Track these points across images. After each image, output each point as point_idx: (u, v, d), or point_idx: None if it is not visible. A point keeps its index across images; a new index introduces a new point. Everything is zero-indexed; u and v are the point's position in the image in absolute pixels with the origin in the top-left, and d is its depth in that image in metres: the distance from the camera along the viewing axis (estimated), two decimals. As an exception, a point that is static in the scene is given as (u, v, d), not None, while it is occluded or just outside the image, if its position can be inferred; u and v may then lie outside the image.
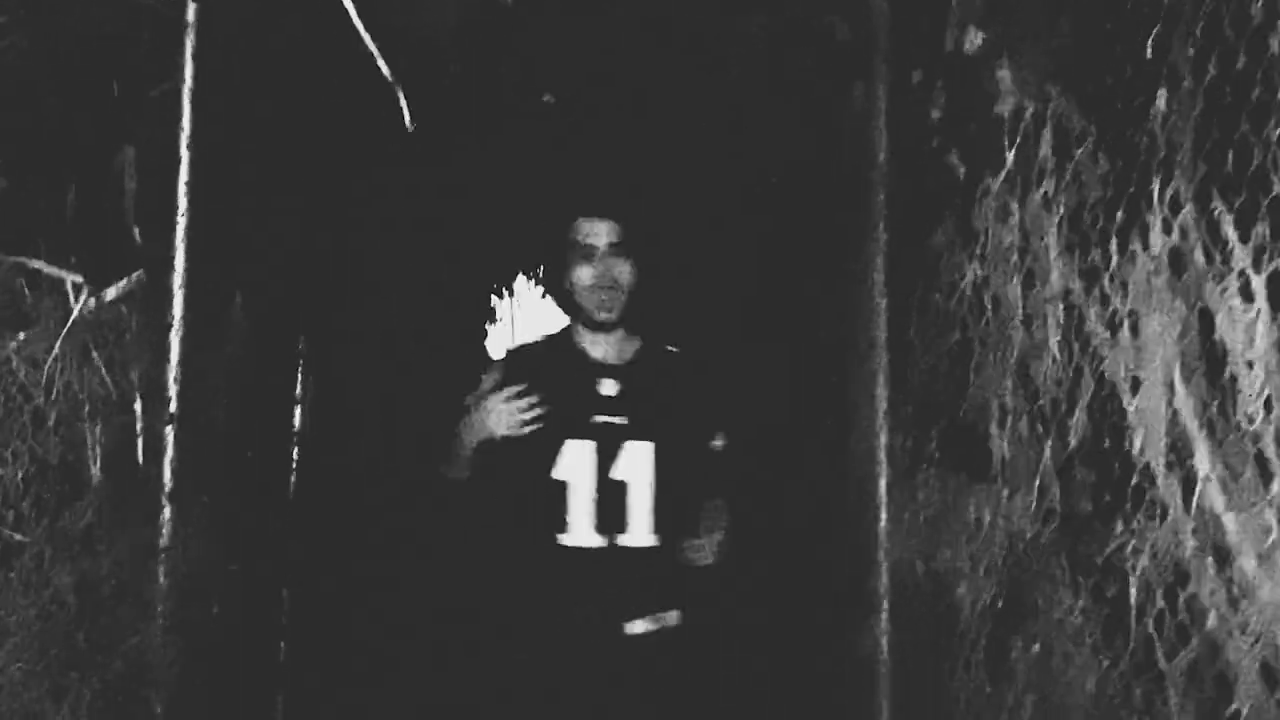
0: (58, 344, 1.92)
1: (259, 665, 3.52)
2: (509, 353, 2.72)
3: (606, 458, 2.51)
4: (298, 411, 3.87)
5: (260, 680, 3.56)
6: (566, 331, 2.67)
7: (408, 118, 2.85)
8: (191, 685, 2.58)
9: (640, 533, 2.52)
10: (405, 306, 6.08)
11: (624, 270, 2.56)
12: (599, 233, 2.56)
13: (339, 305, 4.41)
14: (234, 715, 3.14)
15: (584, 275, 2.56)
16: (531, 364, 2.61)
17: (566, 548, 2.49)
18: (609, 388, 2.58)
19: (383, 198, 5.12)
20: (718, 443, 2.69)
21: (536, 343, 2.72)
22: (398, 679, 4.61)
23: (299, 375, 3.88)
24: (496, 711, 2.59)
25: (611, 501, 2.50)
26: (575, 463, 2.50)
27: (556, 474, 2.50)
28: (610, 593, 2.50)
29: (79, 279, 1.99)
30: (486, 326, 12.07)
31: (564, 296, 2.64)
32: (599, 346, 2.62)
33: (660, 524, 2.53)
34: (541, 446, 2.51)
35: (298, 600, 3.78)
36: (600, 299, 2.55)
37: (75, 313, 1.93)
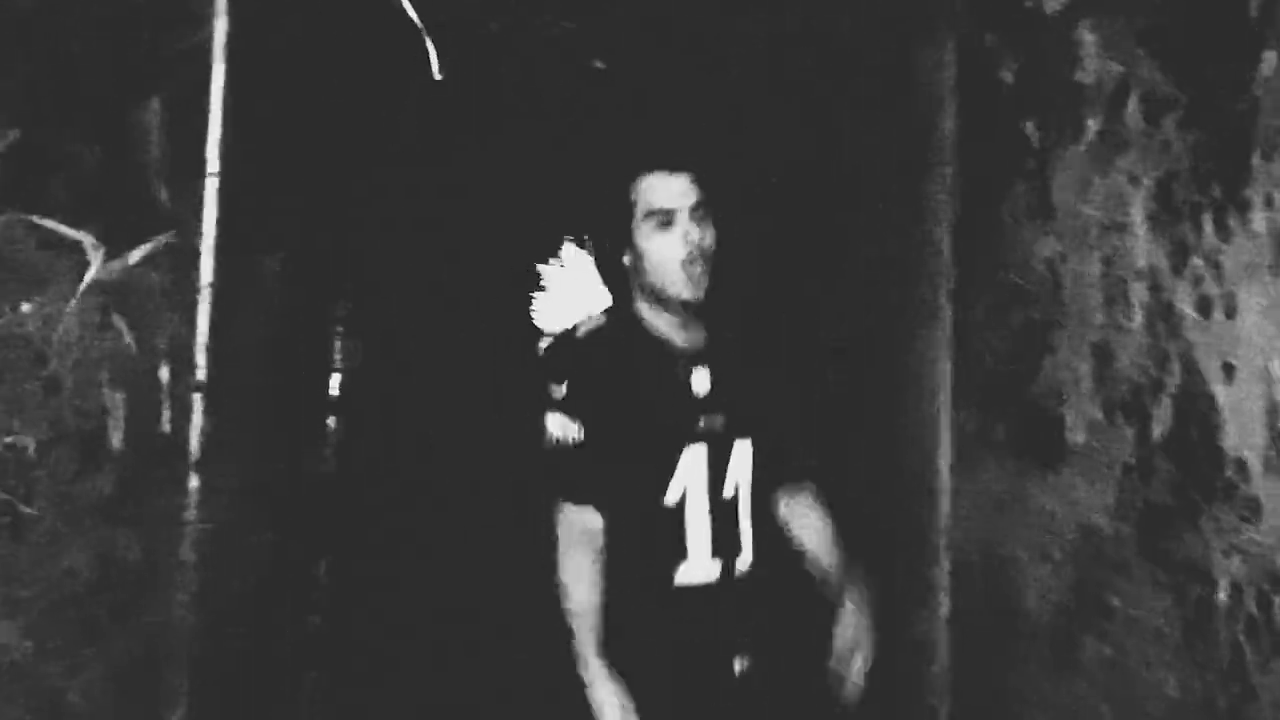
0: (74, 306, 1.84)
1: (291, 639, 3.46)
2: (580, 338, 2.16)
3: (717, 468, 2.12)
4: (335, 379, 3.78)
5: (292, 654, 3.50)
6: (631, 312, 2.20)
7: (436, 68, 2.71)
8: (218, 660, 2.53)
9: (748, 553, 2.17)
10: (451, 270, 5.99)
11: (709, 237, 2.13)
12: (678, 191, 2.12)
13: (381, 268, 4.32)
14: (263, 690, 3.08)
15: (665, 246, 2.11)
16: (609, 352, 2.13)
17: (683, 585, 2.10)
18: (702, 381, 2.16)
19: (430, 155, 5.01)
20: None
21: (600, 326, 2.19)
22: (436, 658, 4.55)
23: (337, 341, 3.79)
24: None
25: (725, 520, 2.13)
26: (689, 478, 2.10)
27: (671, 497, 2.10)
28: (728, 628, 2.15)
29: (97, 240, 1.91)
30: (533, 293, 11.96)
31: (620, 272, 2.19)
32: (674, 331, 2.19)
33: (757, 539, 2.18)
34: (651, 464, 2.10)
35: (334, 573, 3.72)
36: (691, 274, 2.10)
37: (93, 274, 1.85)
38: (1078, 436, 2.15)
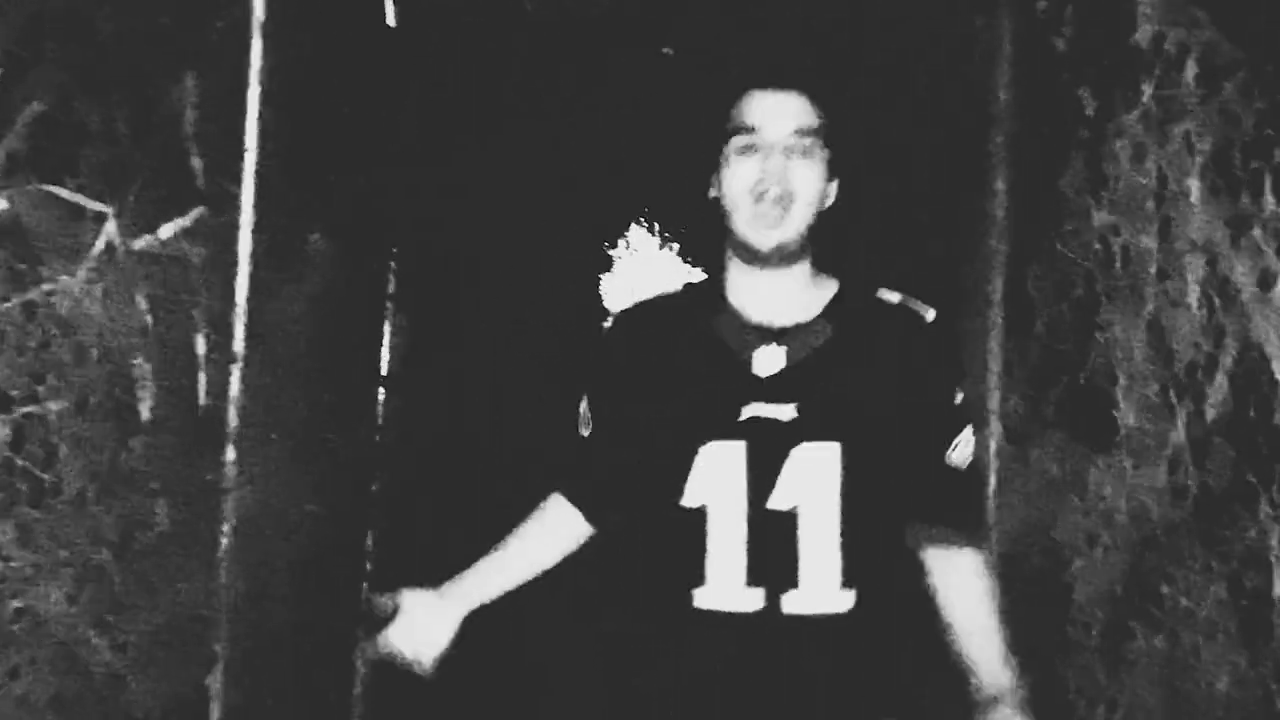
0: (101, 277, 1.82)
1: (341, 608, 3.47)
2: (620, 315, 1.81)
3: (764, 471, 1.62)
4: (385, 353, 3.76)
5: (342, 623, 3.51)
6: (715, 280, 1.76)
7: (390, 14, 2.65)
8: (258, 628, 2.52)
9: (820, 591, 1.62)
10: (509, 244, 5.93)
11: (806, 174, 1.63)
12: (774, 113, 1.63)
13: (434, 243, 4.28)
14: (312, 656, 3.09)
15: (739, 175, 1.64)
16: (653, 329, 1.76)
17: (705, 612, 1.63)
18: (768, 361, 1.66)
19: (485, 123, 4.95)
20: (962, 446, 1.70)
21: (669, 296, 1.81)
22: (489, 631, 4.53)
23: (387, 315, 3.77)
24: None
25: (773, 539, 1.62)
26: (716, 479, 1.63)
27: (689, 499, 1.64)
28: (778, 684, 1.62)
29: (128, 213, 1.89)
30: (600, 276, 11.85)
31: (715, 217, 1.74)
32: (762, 301, 1.70)
33: (857, 574, 1.63)
34: (668, 456, 1.66)
35: (383, 544, 3.72)
36: (757, 211, 1.63)
37: (104, 245, 1.83)
38: (1130, 417, 2.06)
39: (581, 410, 1.80)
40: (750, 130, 1.63)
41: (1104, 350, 2.16)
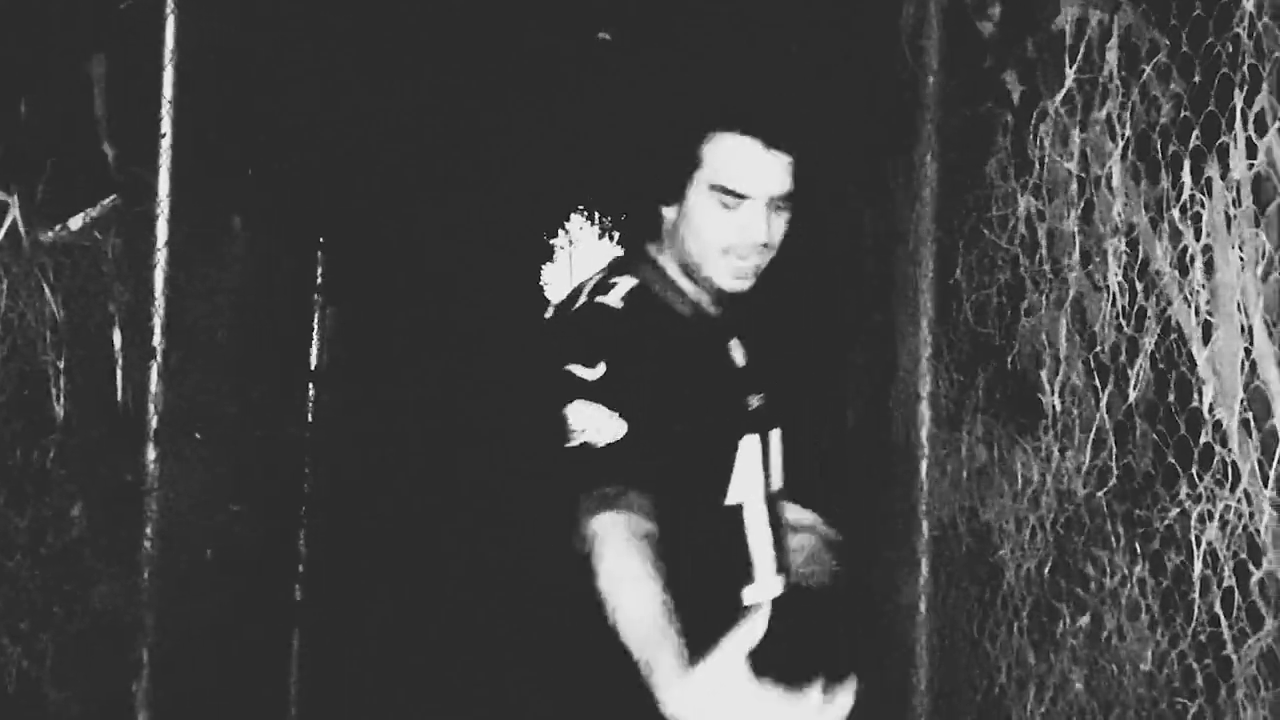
0: (4, 269, 1.76)
1: (272, 605, 3.42)
2: (617, 307, 1.59)
3: (766, 460, 1.66)
4: (314, 346, 3.69)
5: (274, 620, 3.46)
6: (659, 267, 1.67)
7: None
8: (186, 632, 2.47)
9: (787, 563, 1.70)
10: (444, 232, 5.86)
11: (779, 226, 1.61)
12: (762, 177, 1.57)
13: (365, 230, 4.22)
14: (243, 661, 3.03)
15: (716, 229, 1.58)
16: (647, 320, 1.60)
17: (752, 609, 1.44)
18: (739, 351, 1.69)
19: (417, 107, 4.86)
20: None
21: (635, 288, 1.62)
22: (421, 627, 4.50)
23: (316, 306, 3.70)
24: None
25: (777, 524, 1.67)
26: (746, 474, 1.63)
27: (731, 496, 1.61)
28: (794, 660, 1.49)
29: (30, 201, 1.83)
30: (540, 265, 11.74)
31: (653, 220, 1.67)
32: (702, 293, 1.67)
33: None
34: (708, 456, 1.61)
35: (315, 543, 3.67)
36: (732, 267, 1.60)
37: (28, 237, 1.77)
38: (1055, 400, 2.07)
39: (595, 418, 1.50)
40: (736, 195, 1.57)
41: (1029, 335, 2.17)
